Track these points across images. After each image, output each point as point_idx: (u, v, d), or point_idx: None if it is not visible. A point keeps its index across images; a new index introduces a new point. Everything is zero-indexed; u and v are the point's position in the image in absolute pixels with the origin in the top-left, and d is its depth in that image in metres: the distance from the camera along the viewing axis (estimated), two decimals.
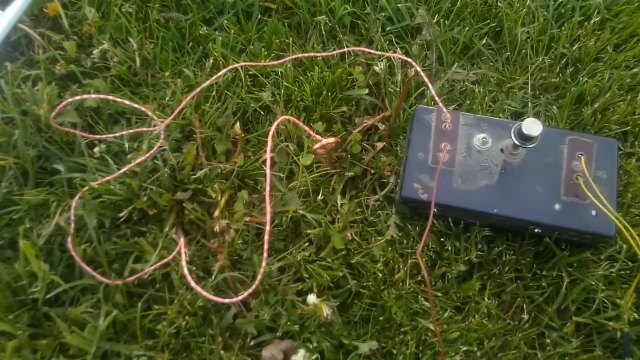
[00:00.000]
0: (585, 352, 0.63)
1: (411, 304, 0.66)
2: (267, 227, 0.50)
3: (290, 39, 0.80)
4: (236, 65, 0.74)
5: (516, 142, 0.61)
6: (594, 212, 0.63)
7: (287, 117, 0.56)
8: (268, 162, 0.49)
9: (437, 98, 0.65)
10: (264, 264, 0.61)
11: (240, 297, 0.61)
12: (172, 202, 0.72)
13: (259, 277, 0.62)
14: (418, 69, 0.67)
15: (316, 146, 0.60)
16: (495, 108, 0.76)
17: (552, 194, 0.64)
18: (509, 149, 0.65)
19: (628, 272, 0.65)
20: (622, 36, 0.79)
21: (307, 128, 0.58)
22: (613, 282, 0.66)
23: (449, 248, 0.68)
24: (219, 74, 0.73)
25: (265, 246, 0.58)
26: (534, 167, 0.65)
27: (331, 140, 0.60)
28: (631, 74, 0.76)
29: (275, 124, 0.53)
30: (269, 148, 0.52)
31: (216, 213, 0.68)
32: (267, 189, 0.49)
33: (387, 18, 0.82)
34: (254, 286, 0.61)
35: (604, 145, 0.66)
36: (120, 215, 0.69)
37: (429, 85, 0.65)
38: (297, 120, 0.64)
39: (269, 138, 0.52)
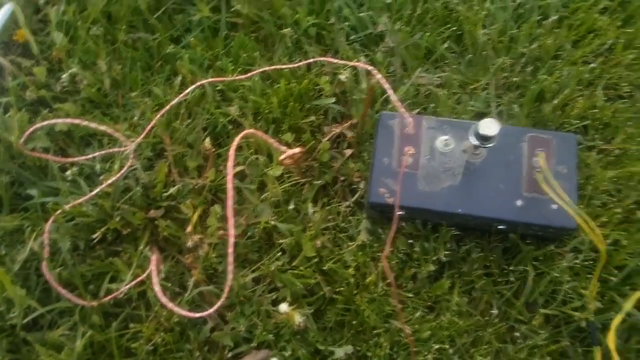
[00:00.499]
0: (554, 343, 0.65)
1: (383, 307, 0.67)
2: (231, 240, 0.51)
3: (257, 52, 0.81)
4: (203, 81, 0.75)
5: (475, 142, 0.62)
6: (554, 207, 0.64)
7: (250, 130, 0.58)
8: (229, 177, 0.50)
9: (397, 104, 0.67)
10: (230, 276, 0.62)
11: (209, 311, 0.63)
12: (146, 220, 0.73)
13: (226, 290, 0.63)
14: (379, 77, 0.68)
15: (282, 157, 0.61)
16: (459, 109, 0.78)
17: (514, 190, 0.66)
18: (471, 150, 0.67)
19: (592, 262, 0.67)
20: (579, 32, 0.81)
21: (271, 140, 0.60)
22: (578, 273, 0.67)
23: (418, 249, 0.69)
24: (186, 91, 0.75)
25: (230, 259, 0.59)
26: (495, 166, 0.67)
27: (296, 150, 0.62)
28: (589, 69, 0.78)
29: (238, 138, 0.55)
30: (230, 163, 0.53)
31: (189, 229, 0.69)
32: (229, 202, 0.51)
33: (351, 27, 0.84)
34: (222, 299, 0.63)
35: (563, 141, 0.68)
36: (94, 236, 0.71)
37: (390, 92, 0.66)
38: (261, 133, 0.65)
39: (231, 152, 0.53)
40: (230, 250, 0.53)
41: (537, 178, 0.64)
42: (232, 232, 0.52)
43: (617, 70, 0.79)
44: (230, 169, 0.52)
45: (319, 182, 0.74)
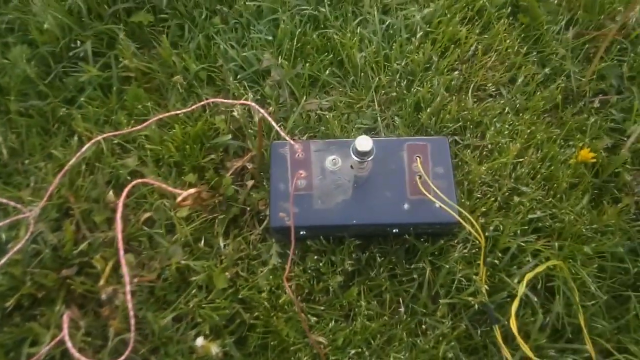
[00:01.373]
0: (457, 329, 0.70)
1: (300, 323, 0.71)
2: (127, 288, 0.53)
3: (150, 102, 0.85)
4: (98, 137, 0.78)
5: (356, 158, 0.68)
6: (437, 205, 0.71)
7: (139, 180, 0.61)
8: (118, 228, 0.53)
9: (282, 134, 0.72)
10: (132, 322, 0.64)
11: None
12: (60, 280, 0.74)
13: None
14: (262, 112, 0.73)
15: (178, 199, 0.65)
16: (349, 128, 0.84)
17: (400, 196, 0.72)
18: (356, 165, 0.72)
19: (479, 249, 0.73)
20: (443, 44, 0.90)
21: (164, 185, 0.63)
22: (470, 262, 0.74)
23: (326, 263, 0.74)
24: (82, 149, 0.77)
25: (130, 305, 0.61)
26: (381, 176, 0.73)
27: (191, 191, 0.65)
28: (455, 76, 0.86)
29: (126, 189, 0.58)
30: (118, 215, 0.56)
31: (101, 282, 0.71)
32: (121, 252, 0.53)
33: (238, 66, 0.89)
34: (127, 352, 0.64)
35: (437, 145, 0.75)
36: (7, 305, 0.71)
37: (273, 124, 0.71)
38: (152, 181, 0.68)
39: (120, 204, 0.56)
40: (128, 297, 0.55)
41: (417, 182, 0.71)
42: (127, 280, 0.55)
43: (482, 72, 0.88)
44: (118, 221, 0.55)
45: (223, 216, 0.78)
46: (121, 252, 0.53)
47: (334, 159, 0.74)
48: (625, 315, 0.72)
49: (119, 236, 0.54)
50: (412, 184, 0.72)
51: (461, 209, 0.69)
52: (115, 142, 0.82)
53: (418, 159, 0.73)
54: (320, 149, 0.75)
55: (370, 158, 0.68)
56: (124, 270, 0.53)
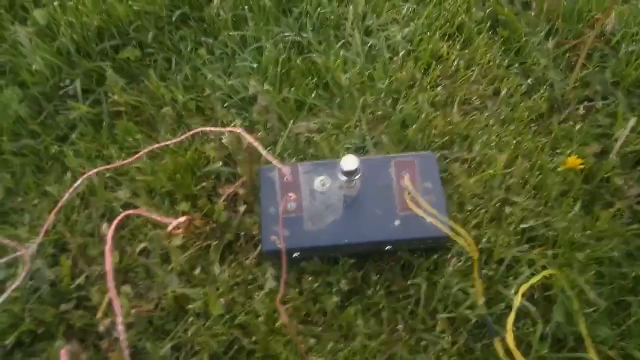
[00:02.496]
0: (457, 343, 0.70)
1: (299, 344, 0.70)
2: (119, 319, 0.53)
3: (140, 135, 0.86)
4: (90, 172, 0.79)
5: (343, 178, 0.69)
6: (428, 220, 0.71)
7: (128, 212, 0.61)
8: (107, 260, 0.53)
9: (270, 158, 0.73)
10: (126, 353, 0.64)
11: None
12: (59, 315, 0.74)
13: None
14: (249, 138, 0.74)
15: (169, 229, 0.65)
16: (338, 149, 0.85)
17: (390, 213, 0.72)
18: (344, 184, 0.73)
19: (474, 261, 0.73)
20: (425, 61, 0.91)
21: (154, 215, 0.64)
22: (466, 274, 0.74)
23: (322, 284, 0.74)
24: (75, 185, 0.78)
25: (122, 336, 0.61)
26: (370, 194, 0.73)
27: (181, 219, 0.66)
28: (439, 92, 0.88)
29: (115, 222, 0.58)
30: (107, 248, 0.56)
31: (98, 315, 0.71)
32: (111, 285, 0.54)
33: (225, 95, 0.91)
34: None
35: (424, 160, 0.75)
36: (7, 342, 0.71)
37: (260, 149, 0.72)
38: (140, 211, 0.69)
39: (109, 236, 0.56)
40: (120, 327, 0.55)
41: (406, 199, 0.71)
42: (119, 310, 0.55)
43: (466, 86, 0.89)
44: (107, 254, 0.56)
45: (217, 242, 0.78)
46: (111, 285, 0.53)
47: (322, 179, 0.74)
48: (627, 320, 0.71)
49: (108, 269, 0.54)
50: (402, 200, 0.72)
51: (452, 222, 0.69)
52: (108, 175, 0.83)
53: (406, 175, 0.74)
54: (308, 170, 0.76)
55: (357, 177, 0.69)
56: (114, 303, 0.53)
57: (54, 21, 0.97)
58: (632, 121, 0.82)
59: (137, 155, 0.82)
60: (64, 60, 0.93)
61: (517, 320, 0.70)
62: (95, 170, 0.79)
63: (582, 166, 0.77)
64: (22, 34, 0.92)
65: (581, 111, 0.86)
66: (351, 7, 0.97)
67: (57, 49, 0.94)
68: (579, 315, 0.69)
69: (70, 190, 0.77)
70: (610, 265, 0.74)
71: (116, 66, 0.94)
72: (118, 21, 0.96)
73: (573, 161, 0.77)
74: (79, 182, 0.77)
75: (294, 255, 0.72)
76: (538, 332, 0.69)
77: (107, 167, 0.80)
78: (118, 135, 0.87)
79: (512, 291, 0.71)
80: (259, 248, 0.79)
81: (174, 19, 0.97)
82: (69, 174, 0.83)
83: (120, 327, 0.51)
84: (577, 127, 0.84)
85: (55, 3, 0.96)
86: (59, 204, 0.78)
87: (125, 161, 0.82)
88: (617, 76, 0.90)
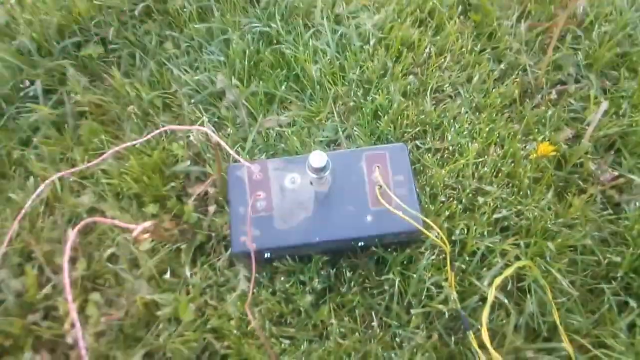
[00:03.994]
0: (431, 338, 0.69)
1: (273, 347, 0.69)
2: (77, 326, 0.51)
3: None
4: (53, 177, 0.77)
5: (312, 174, 0.67)
6: (399, 214, 0.70)
7: (90, 219, 0.59)
8: (65, 273, 0.52)
9: (237, 157, 0.70)
10: None
11: None
12: (26, 326, 0.73)
13: None
14: (215, 136, 0.72)
15: (134, 234, 0.63)
16: (310, 142, 0.83)
17: (362, 208, 0.71)
18: (315, 180, 0.71)
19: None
20: (396, 49, 0.89)
21: (116, 221, 0.62)
22: (440, 268, 0.73)
23: (295, 283, 0.73)
24: (37, 191, 0.75)
25: (82, 345, 0.59)
26: (342, 190, 0.72)
27: (146, 224, 0.64)
28: (411, 80, 0.86)
29: (76, 229, 0.56)
30: (66, 256, 0.54)
31: (65, 326, 0.70)
32: (69, 297, 0.52)
33: (192, 90, 0.88)
34: None
35: (395, 152, 0.74)
36: None
37: (228, 149, 0.70)
38: (103, 219, 0.67)
39: (67, 247, 0.54)
40: (81, 344, 0.53)
41: (377, 194, 0.70)
42: (78, 325, 0.53)
43: (438, 74, 0.87)
44: (65, 265, 0.54)
45: (187, 245, 0.77)
46: (69, 297, 0.51)
47: (292, 177, 0.73)
48: (601, 308, 0.71)
49: (66, 281, 0.52)
50: (374, 195, 0.71)
51: (423, 217, 0.68)
52: (72, 179, 0.80)
53: (377, 168, 0.72)
54: (278, 167, 0.74)
55: (326, 173, 0.67)
56: (72, 314, 0.51)
57: (13, 20, 0.93)
58: (605, 104, 0.80)
59: (102, 157, 0.79)
60: (24, 60, 0.90)
61: (491, 311, 0.70)
62: (58, 175, 0.77)
63: (554, 153, 0.76)
64: None
65: (554, 95, 0.85)
66: None
67: (16, 48, 0.91)
68: (552, 304, 0.69)
69: (33, 196, 0.75)
70: (584, 253, 0.74)
71: (78, 64, 0.91)
72: (79, 17, 0.93)
73: (545, 148, 0.75)
74: (41, 187, 0.75)
75: (266, 255, 0.71)
76: (512, 323, 0.69)
77: (71, 170, 0.78)
78: (83, 137, 0.84)
79: (486, 282, 0.70)
80: (230, 249, 0.77)
81: (137, 12, 0.94)
82: (32, 180, 0.80)
83: (80, 340, 0.50)
84: (550, 112, 0.82)
85: (13, 1, 0.93)
86: (22, 211, 0.76)
87: (90, 164, 0.79)
88: (589, 58, 0.88)
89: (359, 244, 0.72)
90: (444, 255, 0.72)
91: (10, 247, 0.76)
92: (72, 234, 0.56)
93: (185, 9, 0.94)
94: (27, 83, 0.87)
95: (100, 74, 0.91)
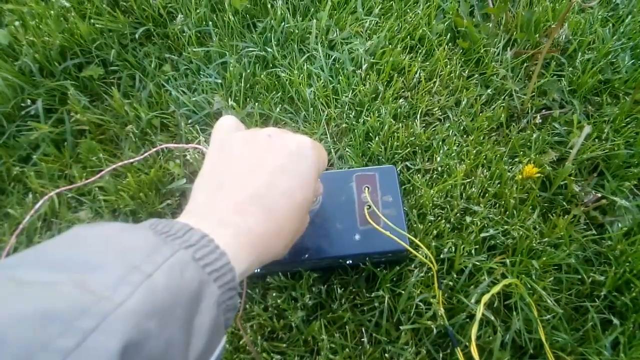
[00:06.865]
0: (420, 354, 0.71)
1: None
2: None
3: (103, 154, 0.86)
4: (51, 193, 0.79)
5: None
6: (387, 234, 0.72)
7: None
8: None
9: None
10: None
11: None
12: None
13: None
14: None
15: None
16: None
17: (351, 227, 0.73)
18: None
19: (436, 271, 0.74)
20: (387, 74, 0.93)
21: None
22: (429, 285, 0.75)
23: (286, 299, 0.74)
24: (36, 206, 0.77)
25: None
26: (331, 209, 0.74)
27: None
28: (401, 103, 0.89)
29: None
30: None
31: None
32: None
33: (190, 111, 0.91)
34: None
35: (385, 173, 0.76)
36: None
37: None
38: None
39: None
40: None
41: (365, 214, 0.72)
42: None
43: (428, 98, 0.91)
44: None
45: None
46: None
47: None
48: (585, 325, 0.73)
49: None
50: (362, 215, 0.73)
51: (410, 237, 0.70)
52: (70, 195, 0.82)
53: (367, 189, 0.74)
54: None
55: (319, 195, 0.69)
56: None
57: (16, 41, 0.96)
58: (588, 128, 0.84)
59: (99, 175, 0.82)
60: (26, 80, 0.92)
61: (478, 328, 0.71)
62: (56, 191, 0.79)
63: (538, 175, 0.79)
64: None
65: (539, 119, 0.88)
66: (315, 21, 0.98)
67: (19, 68, 0.94)
68: (537, 322, 0.71)
69: (32, 212, 0.77)
70: (569, 272, 0.76)
71: (79, 85, 0.93)
72: (81, 40, 0.96)
73: (530, 170, 0.78)
74: (39, 203, 0.77)
75: (256, 271, 0.73)
76: (498, 340, 0.70)
77: (69, 187, 0.80)
78: (81, 155, 0.86)
79: (473, 300, 0.72)
80: None
81: (137, 36, 0.98)
82: (30, 196, 0.82)
83: None
84: (535, 135, 0.85)
85: (17, 23, 0.96)
86: (20, 226, 0.78)
87: (88, 180, 0.81)
88: (573, 84, 0.92)
89: (347, 262, 0.74)
90: (432, 273, 0.74)
91: None
92: None
93: (184, 33, 0.98)
94: (29, 102, 0.90)
95: (101, 95, 0.93)
